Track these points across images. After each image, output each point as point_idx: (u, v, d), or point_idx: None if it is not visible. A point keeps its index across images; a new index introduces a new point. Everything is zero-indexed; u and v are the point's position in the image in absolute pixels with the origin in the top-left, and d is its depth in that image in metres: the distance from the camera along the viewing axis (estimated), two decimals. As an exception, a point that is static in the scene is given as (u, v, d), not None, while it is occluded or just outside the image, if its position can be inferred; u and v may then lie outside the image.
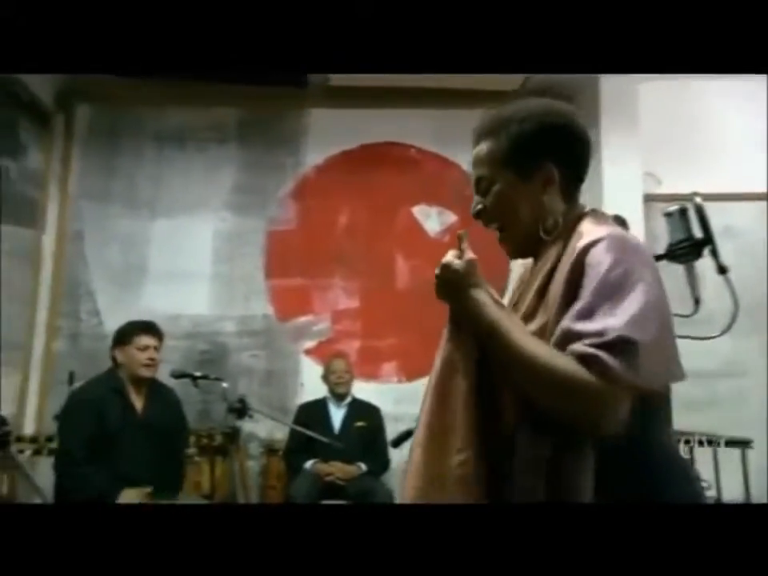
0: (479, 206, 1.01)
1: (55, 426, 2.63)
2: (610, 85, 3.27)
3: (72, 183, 3.45)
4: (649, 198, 3.24)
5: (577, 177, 0.98)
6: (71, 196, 3.44)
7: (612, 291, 0.82)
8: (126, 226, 3.44)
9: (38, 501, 1.92)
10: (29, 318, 3.21)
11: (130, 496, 2.26)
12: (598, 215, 0.96)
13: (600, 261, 0.84)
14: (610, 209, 2.86)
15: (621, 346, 0.79)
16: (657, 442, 0.89)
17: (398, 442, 1.54)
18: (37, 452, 2.78)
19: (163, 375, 2.73)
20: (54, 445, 2.66)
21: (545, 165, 0.94)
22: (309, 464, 2.93)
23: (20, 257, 3.12)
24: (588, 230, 0.90)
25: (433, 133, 3.57)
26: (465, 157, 3.57)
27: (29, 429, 3.11)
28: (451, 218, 3.55)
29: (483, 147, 0.99)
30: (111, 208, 3.45)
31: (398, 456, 3.18)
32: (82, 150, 3.50)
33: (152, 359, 2.46)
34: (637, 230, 3.14)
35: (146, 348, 2.46)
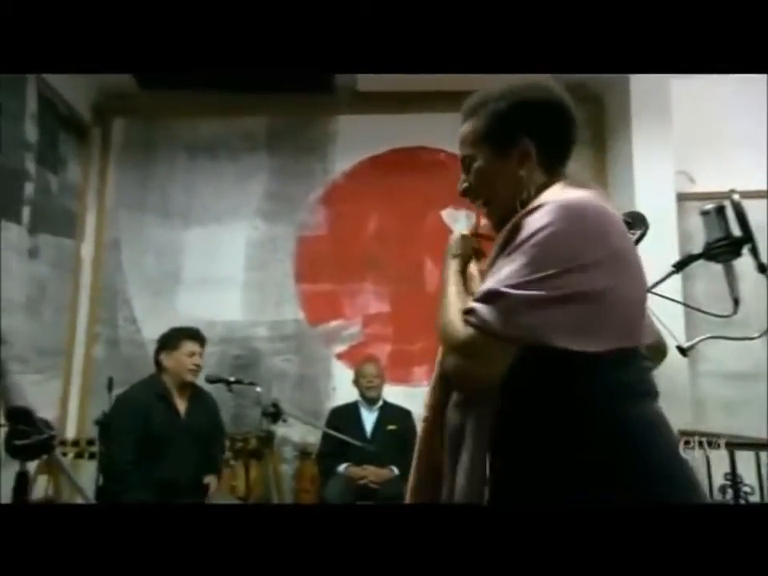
0: (465, 184, 1.03)
1: (96, 430, 2.71)
2: (641, 83, 3.23)
3: (109, 194, 3.55)
4: (682, 197, 3.19)
5: (558, 151, 0.99)
6: (108, 207, 3.54)
7: (517, 251, 0.85)
8: (160, 234, 3.53)
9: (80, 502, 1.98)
10: (70, 324, 3.31)
11: None
12: (569, 183, 0.95)
13: (529, 225, 0.86)
14: (642, 208, 2.84)
15: (493, 298, 0.83)
16: (615, 414, 0.87)
17: None
18: (79, 455, 2.86)
19: (198, 380, 2.80)
20: (95, 448, 2.75)
21: (521, 140, 0.96)
22: (342, 467, 2.96)
23: (61, 266, 3.22)
24: (544, 197, 0.90)
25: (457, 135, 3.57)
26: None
27: (70, 433, 3.21)
28: (482, 221, 3.54)
29: (466, 127, 1.02)
30: (146, 217, 3.54)
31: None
32: (118, 162, 3.60)
33: (197, 365, 2.53)
34: (670, 230, 3.11)
35: (192, 354, 2.54)
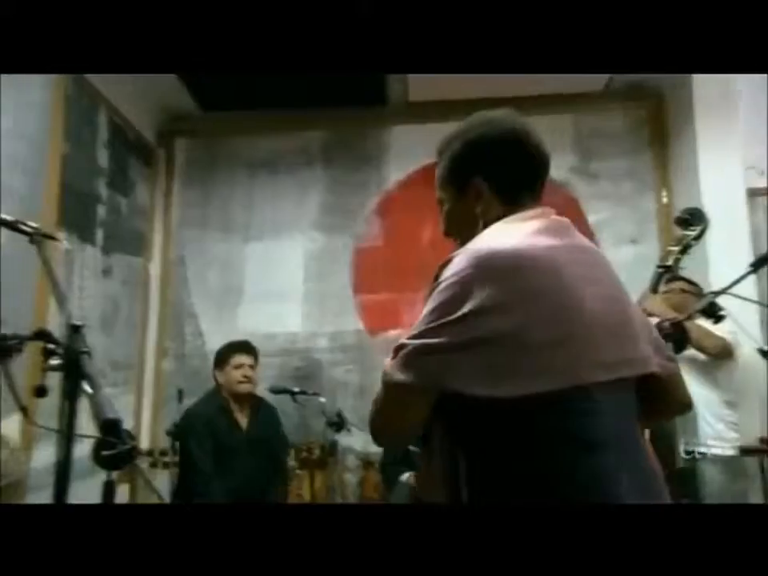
0: (443, 226, 1.09)
1: (168, 440, 2.82)
2: (704, 78, 3.14)
3: (174, 213, 3.70)
4: (752, 193, 3.08)
5: (513, 183, 1.02)
6: (173, 225, 3.69)
7: (427, 302, 0.90)
8: (222, 250, 3.64)
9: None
10: (140, 339, 3.46)
11: None
12: (521, 215, 0.97)
13: (442, 276, 0.91)
14: (711, 206, 2.75)
15: (397, 351, 0.89)
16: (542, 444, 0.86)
17: None
18: (153, 465, 2.98)
19: (262, 392, 2.87)
20: (167, 458, 2.86)
21: (473, 180, 1.01)
22: (405, 476, 2.96)
23: (131, 284, 3.37)
24: (472, 242, 0.94)
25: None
26: (552, 164, 3.53)
27: (144, 443, 3.34)
28: (537, 225, 3.51)
29: (437, 170, 1.09)
30: (209, 234, 3.67)
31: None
32: (182, 181, 3.75)
33: (246, 376, 2.60)
34: (741, 226, 2.99)
35: (240, 366, 2.60)
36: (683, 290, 2.32)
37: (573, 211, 3.48)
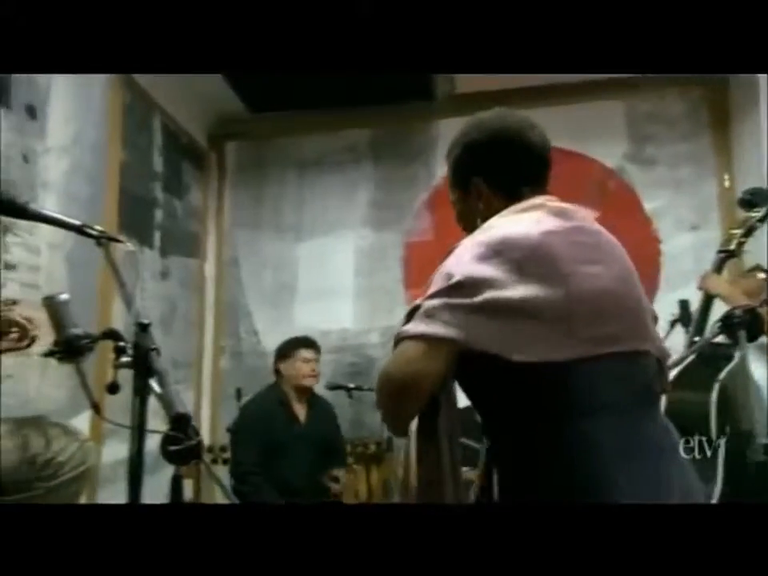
0: (458, 223, 1.21)
1: (228, 437, 2.89)
2: None
3: (226, 215, 3.78)
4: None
5: (510, 179, 1.11)
6: (226, 226, 3.77)
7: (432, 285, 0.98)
8: (275, 249, 3.70)
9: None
10: (198, 338, 3.55)
11: None
12: (520, 206, 1.06)
13: (444, 262, 1.00)
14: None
15: (413, 311, 0.96)
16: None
17: None
18: (213, 461, 3.05)
19: (318, 388, 2.90)
20: (227, 455, 2.92)
21: (473, 180, 1.12)
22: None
23: (188, 285, 3.46)
24: (474, 233, 1.04)
25: (565, 130, 3.46)
26: (602, 151, 3.44)
27: (204, 440, 3.42)
28: (591, 215, 3.42)
29: (447, 174, 1.21)
30: (261, 234, 3.73)
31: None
32: (233, 183, 3.82)
33: (314, 371, 2.64)
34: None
35: (308, 360, 2.65)
36: (762, 278, 2.21)
37: (627, 199, 3.37)
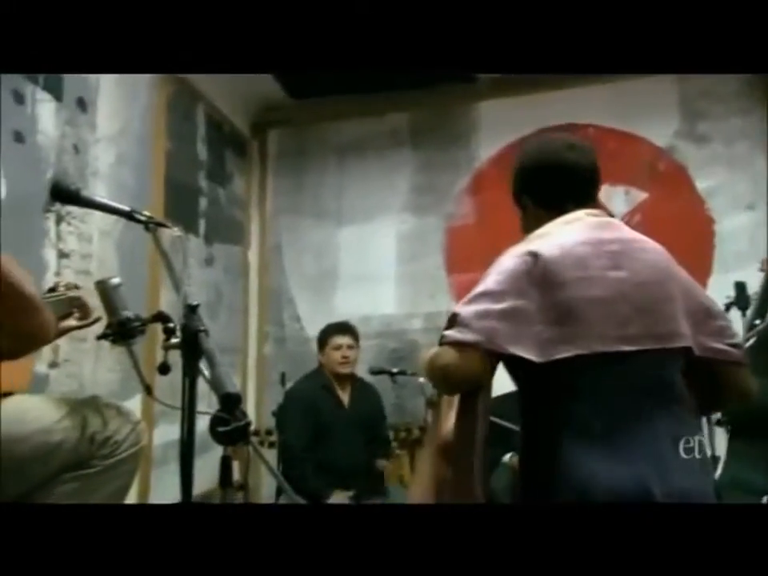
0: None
1: (273, 421, 2.93)
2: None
3: (268, 202, 3.81)
4: None
5: (550, 197, 1.30)
6: (268, 213, 3.80)
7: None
8: (316, 236, 3.72)
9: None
10: (243, 325, 3.61)
11: (339, 497, 2.45)
12: (559, 221, 1.24)
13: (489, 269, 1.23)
14: None
15: (453, 318, 1.17)
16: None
17: None
18: (259, 444, 3.11)
19: (362, 374, 2.92)
20: (273, 438, 2.97)
21: (522, 197, 1.36)
22: (506, 457, 2.92)
23: (232, 271, 3.52)
24: (518, 244, 1.25)
25: (613, 108, 3.37)
26: (652, 129, 3.33)
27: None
28: (640, 196, 3.32)
29: None
30: (303, 220, 3.75)
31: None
32: (275, 170, 3.85)
33: (345, 357, 2.65)
34: None
35: (339, 347, 2.67)
36: None
37: (679, 178, 3.26)
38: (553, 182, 1.29)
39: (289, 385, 2.91)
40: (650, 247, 1.22)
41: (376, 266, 3.57)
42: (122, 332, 1.17)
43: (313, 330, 3.29)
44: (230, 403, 0.93)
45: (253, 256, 3.75)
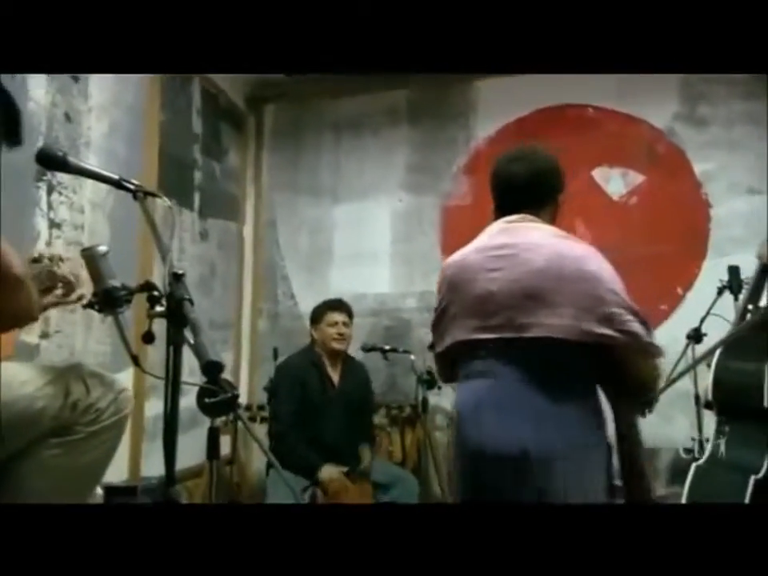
0: None
1: (265, 396, 2.94)
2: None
3: (264, 177, 3.79)
4: None
5: (496, 203, 1.52)
6: (264, 190, 3.78)
7: None
8: (311, 213, 3.70)
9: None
10: (236, 300, 3.60)
11: (329, 472, 2.46)
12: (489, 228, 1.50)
13: None
14: None
15: None
16: None
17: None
18: (251, 419, 3.12)
19: (354, 351, 2.92)
20: (265, 413, 2.99)
21: None
22: None
23: (226, 247, 3.50)
24: None
25: (613, 89, 3.33)
26: (652, 111, 3.30)
27: (242, 399, 3.51)
28: (638, 178, 3.30)
29: None
30: (298, 197, 3.73)
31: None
32: (271, 146, 3.81)
33: (341, 334, 2.65)
34: None
35: (335, 324, 2.66)
36: None
37: (676, 161, 3.24)
38: (494, 191, 1.50)
39: (281, 360, 2.91)
40: (538, 250, 1.34)
41: (371, 244, 3.56)
42: (108, 301, 1.16)
43: (306, 306, 3.28)
44: (212, 371, 0.93)
45: (247, 232, 3.73)
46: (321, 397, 2.61)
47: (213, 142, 3.35)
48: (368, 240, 3.56)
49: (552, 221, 1.46)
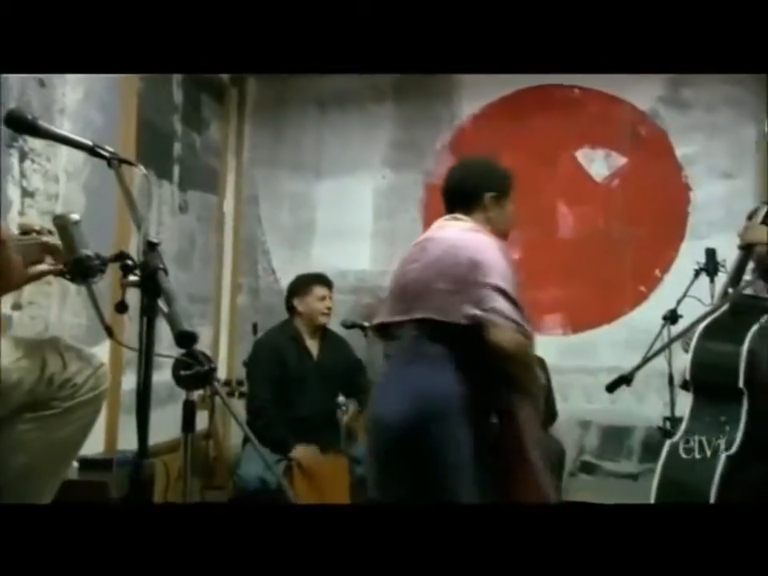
0: None
1: (244, 371, 2.94)
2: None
3: (246, 151, 3.73)
4: None
5: (443, 205, 1.72)
6: (245, 163, 3.72)
7: None
8: (294, 188, 3.66)
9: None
10: (216, 275, 3.56)
11: (302, 452, 2.47)
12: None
13: None
14: None
15: None
16: None
17: (612, 387, 1.53)
18: (230, 394, 3.10)
19: (334, 327, 2.91)
20: (244, 388, 2.98)
21: None
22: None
23: (206, 220, 3.46)
24: None
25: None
26: (636, 93, 3.29)
27: (222, 374, 3.49)
28: (620, 160, 3.30)
29: None
30: (280, 172, 3.68)
31: (563, 408, 3.11)
32: (253, 120, 3.75)
33: (329, 308, 2.64)
34: None
35: (323, 298, 2.65)
36: None
37: (659, 144, 3.25)
38: (441, 195, 1.71)
39: (260, 335, 2.90)
40: (443, 242, 1.53)
41: (353, 220, 3.53)
42: (80, 270, 1.14)
43: (287, 282, 3.26)
44: (185, 341, 0.92)
45: (228, 206, 3.68)
46: (299, 370, 2.61)
47: (193, 113, 3.28)
48: (350, 217, 3.54)
49: (487, 218, 1.61)
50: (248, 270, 3.66)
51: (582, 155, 3.37)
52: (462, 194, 1.63)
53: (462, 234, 1.54)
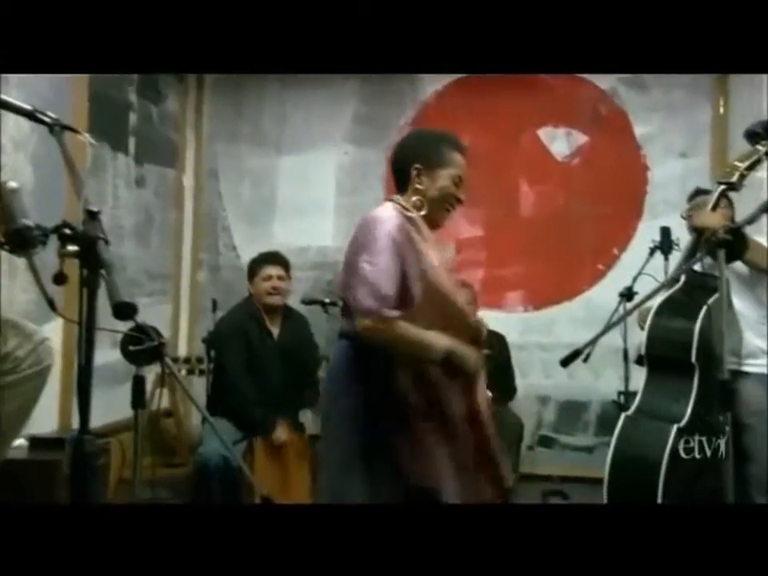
0: None
1: (204, 348, 2.90)
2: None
3: (205, 125, 3.64)
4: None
5: None
6: (205, 137, 3.64)
7: None
8: (255, 163, 3.59)
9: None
10: (175, 251, 3.50)
11: (285, 432, 2.47)
12: None
13: None
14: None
15: None
16: None
17: (566, 361, 1.53)
18: (190, 372, 3.06)
19: (295, 304, 2.89)
20: (203, 366, 2.94)
21: None
22: None
23: (165, 195, 3.38)
24: None
25: (560, 47, 3.32)
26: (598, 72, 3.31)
27: (181, 351, 3.45)
28: (581, 139, 3.33)
29: None
30: (241, 147, 3.61)
31: (522, 383, 3.16)
32: (212, 93, 3.66)
33: (275, 288, 2.60)
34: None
35: (269, 278, 2.60)
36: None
37: (618, 123, 3.28)
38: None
39: (220, 313, 2.86)
40: (367, 223, 1.47)
41: (315, 196, 3.50)
42: (19, 241, 1.09)
43: (248, 258, 3.21)
44: (124, 312, 0.89)
45: (187, 180, 3.60)
46: (261, 349, 2.58)
47: (149, 84, 3.18)
48: (312, 192, 3.50)
49: (418, 192, 1.52)
50: (208, 246, 3.60)
51: (544, 133, 3.38)
52: (394, 171, 1.58)
53: (366, 214, 1.53)
